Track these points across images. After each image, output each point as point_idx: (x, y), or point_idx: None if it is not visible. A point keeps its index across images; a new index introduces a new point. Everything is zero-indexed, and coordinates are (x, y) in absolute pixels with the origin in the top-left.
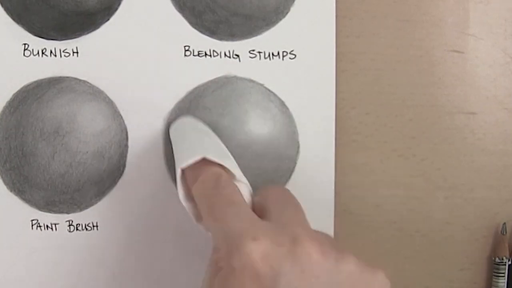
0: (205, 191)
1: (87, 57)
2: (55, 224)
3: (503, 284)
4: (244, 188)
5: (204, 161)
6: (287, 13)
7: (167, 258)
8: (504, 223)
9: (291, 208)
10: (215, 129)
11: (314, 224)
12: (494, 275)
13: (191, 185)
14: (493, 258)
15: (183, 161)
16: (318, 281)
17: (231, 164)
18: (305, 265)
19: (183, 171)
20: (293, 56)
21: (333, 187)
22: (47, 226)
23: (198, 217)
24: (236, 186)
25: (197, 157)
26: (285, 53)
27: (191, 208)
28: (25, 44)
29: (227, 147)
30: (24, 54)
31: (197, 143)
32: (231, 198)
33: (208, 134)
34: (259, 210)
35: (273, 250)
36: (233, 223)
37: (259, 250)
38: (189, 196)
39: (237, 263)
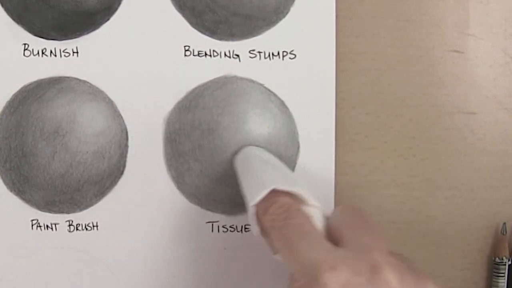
0: (276, 223)
1: (87, 57)
2: (55, 224)
3: (503, 284)
4: (317, 211)
5: (272, 192)
6: (287, 13)
7: (167, 258)
8: (504, 223)
9: (368, 232)
10: (215, 129)
11: None
12: (494, 275)
13: (261, 218)
14: (493, 258)
15: (252, 198)
16: None
17: (301, 189)
18: None
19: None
20: (293, 56)
21: (333, 187)
22: (47, 226)
23: (274, 249)
24: (306, 214)
25: (266, 191)
26: (285, 53)
27: (267, 242)
28: (25, 44)
29: (227, 147)
30: (24, 54)
31: (263, 175)
32: (303, 228)
33: (273, 162)
34: (334, 234)
35: (352, 279)
36: (309, 254)
37: (337, 280)
38: (263, 229)
39: None
